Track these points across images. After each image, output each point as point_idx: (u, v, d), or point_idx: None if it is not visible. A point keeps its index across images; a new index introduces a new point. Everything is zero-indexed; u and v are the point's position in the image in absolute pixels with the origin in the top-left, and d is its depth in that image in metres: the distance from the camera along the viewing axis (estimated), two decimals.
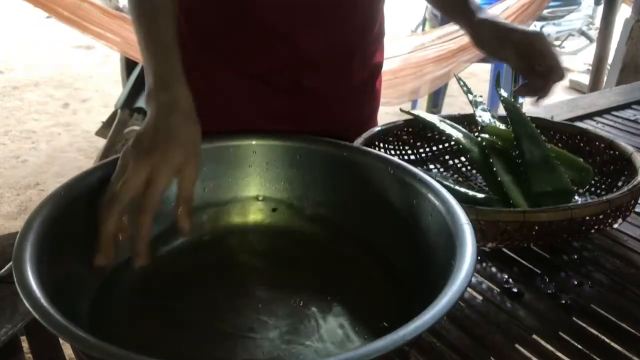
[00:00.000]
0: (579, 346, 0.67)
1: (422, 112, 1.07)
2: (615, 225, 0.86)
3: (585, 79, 3.84)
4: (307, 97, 0.93)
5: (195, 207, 0.76)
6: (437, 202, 0.65)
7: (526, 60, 0.89)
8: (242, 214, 0.79)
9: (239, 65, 0.90)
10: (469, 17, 0.94)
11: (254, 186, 0.79)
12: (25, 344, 0.65)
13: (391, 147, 1.02)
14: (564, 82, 4.44)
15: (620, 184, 0.91)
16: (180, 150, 0.62)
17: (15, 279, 0.51)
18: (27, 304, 0.49)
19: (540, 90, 0.90)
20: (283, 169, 0.78)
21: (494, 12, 1.01)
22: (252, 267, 0.72)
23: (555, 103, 1.39)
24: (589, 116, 1.31)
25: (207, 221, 0.77)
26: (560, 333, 0.69)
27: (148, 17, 0.72)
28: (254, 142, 0.78)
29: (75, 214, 0.64)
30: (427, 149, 1.08)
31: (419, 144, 1.07)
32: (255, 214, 0.79)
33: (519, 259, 0.82)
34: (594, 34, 4.50)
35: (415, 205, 0.69)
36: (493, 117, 1.02)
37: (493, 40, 0.91)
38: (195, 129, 0.66)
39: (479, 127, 1.00)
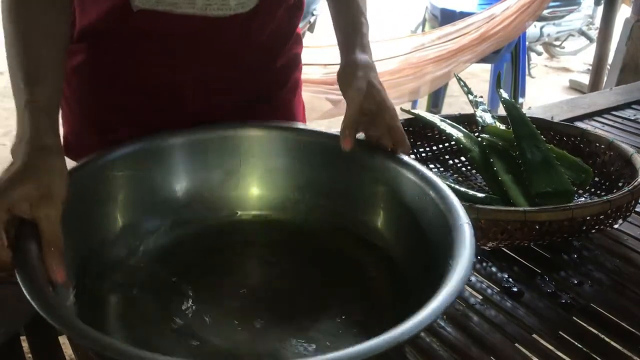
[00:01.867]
0: (579, 345, 0.67)
1: (422, 111, 1.07)
2: (616, 226, 0.86)
3: (585, 79, 3.84)
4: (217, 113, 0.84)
5: (194, 198, 0.77)
6: (438, 200, 0.65)
7: (364, 120, 0.75)
8: (242, 205, 0.79)
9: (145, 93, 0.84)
10: (348, 52, 0.81)
11: (255, 177, 0.79)
12: (25, 344, 0.65)
13: None
14: (564, 82, 4.44)
15: (620, 184, 0.91)
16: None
17: (18, 278, 0.51)
18: (33, 303, 0.48)
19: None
20: (284, 160, 0.78)
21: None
22: (252, 260, 0.72)
23: (555, 103, 1.39)
24: (589, 116, 1.31)
25: (207, 213, 0.77)
26: (560, 332, 0.69)
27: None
28: (255, 133, 0.78)
29: (74, 212, 0.64)
30: (428, 149, 1.08)
31: (419, 143, 1.07)
32: (255, 205, 0.79)
33: (519, 258, 0.83)
34: (594, 34, 4.50)
35: (417, 201, 0.69)
36: (493, 117, 1.02)
37: (351, 81, 0.77)
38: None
39: (480, 127, 1.00)
